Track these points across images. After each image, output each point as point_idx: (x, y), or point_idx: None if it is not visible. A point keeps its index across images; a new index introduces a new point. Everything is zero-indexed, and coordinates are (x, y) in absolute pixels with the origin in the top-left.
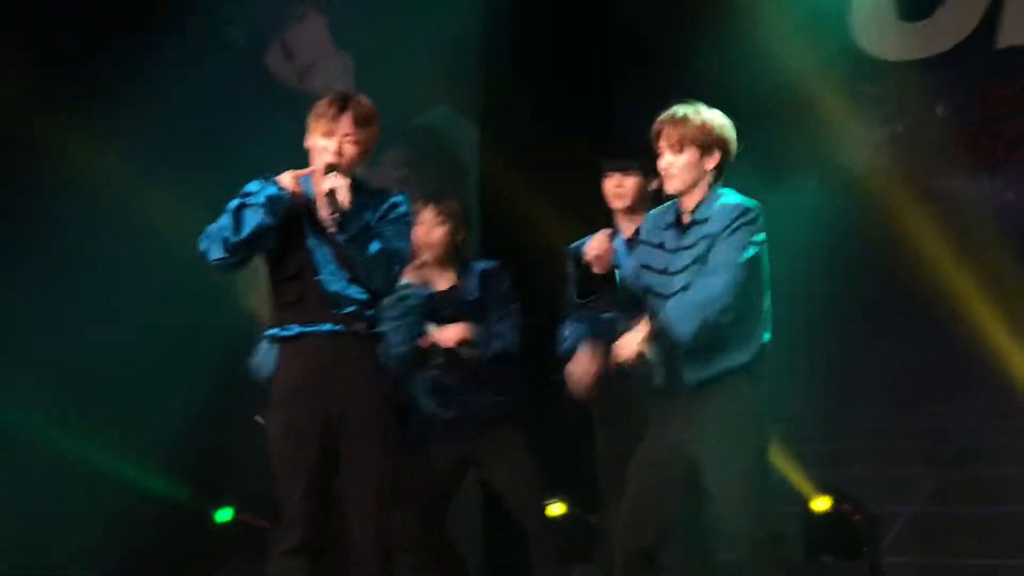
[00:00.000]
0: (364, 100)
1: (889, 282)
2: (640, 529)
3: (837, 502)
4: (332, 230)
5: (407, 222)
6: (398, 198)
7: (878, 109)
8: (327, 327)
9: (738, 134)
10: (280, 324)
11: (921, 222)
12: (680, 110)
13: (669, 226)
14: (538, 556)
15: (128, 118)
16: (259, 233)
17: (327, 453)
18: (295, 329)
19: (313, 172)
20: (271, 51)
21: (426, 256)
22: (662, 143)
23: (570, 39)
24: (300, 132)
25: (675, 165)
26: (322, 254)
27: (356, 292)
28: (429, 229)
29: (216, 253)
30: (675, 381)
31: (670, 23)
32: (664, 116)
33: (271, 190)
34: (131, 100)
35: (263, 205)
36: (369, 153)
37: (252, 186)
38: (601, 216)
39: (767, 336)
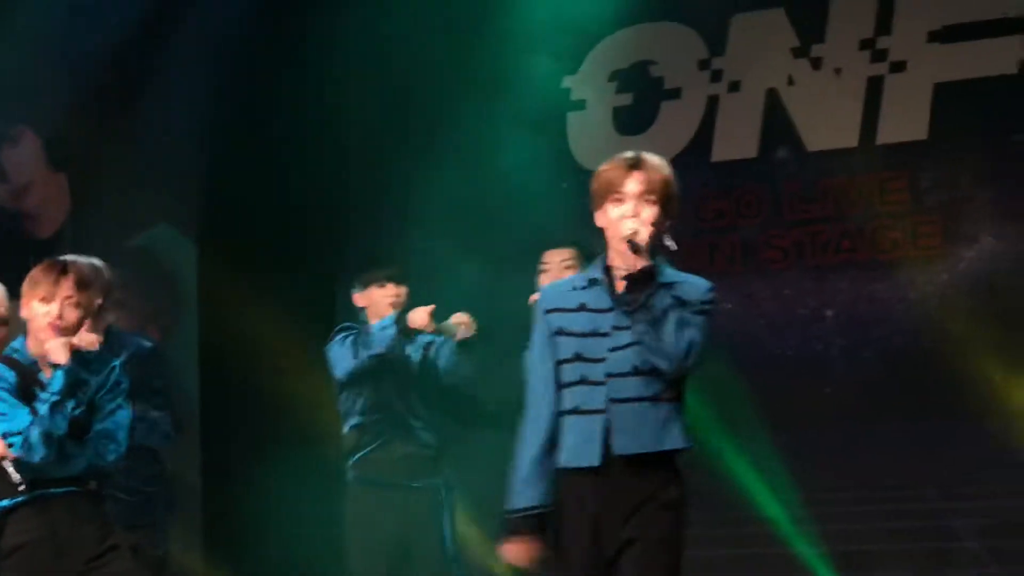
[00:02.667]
0: (83, 263)
1: None
2: None
3: None
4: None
5: (121, 381)
6: (115, 362)
7: None
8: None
9: (464, 248)
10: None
11: None
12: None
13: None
14: None
15: None
16: None
17: None
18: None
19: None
20: None
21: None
22: (639, 189)
23: (297, 156)
24: None
25: (648, 219)
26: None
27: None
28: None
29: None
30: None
31: (397, 146)
32: (636, 158)
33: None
34: None
35: None
36: (89, 317)
37: None
38: (326, 329)
39: None
